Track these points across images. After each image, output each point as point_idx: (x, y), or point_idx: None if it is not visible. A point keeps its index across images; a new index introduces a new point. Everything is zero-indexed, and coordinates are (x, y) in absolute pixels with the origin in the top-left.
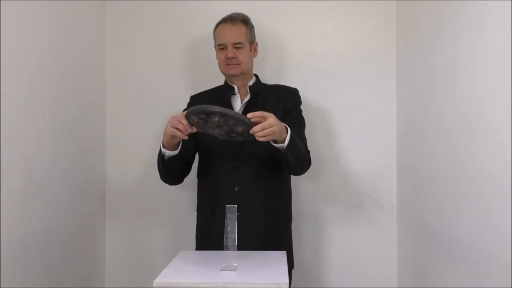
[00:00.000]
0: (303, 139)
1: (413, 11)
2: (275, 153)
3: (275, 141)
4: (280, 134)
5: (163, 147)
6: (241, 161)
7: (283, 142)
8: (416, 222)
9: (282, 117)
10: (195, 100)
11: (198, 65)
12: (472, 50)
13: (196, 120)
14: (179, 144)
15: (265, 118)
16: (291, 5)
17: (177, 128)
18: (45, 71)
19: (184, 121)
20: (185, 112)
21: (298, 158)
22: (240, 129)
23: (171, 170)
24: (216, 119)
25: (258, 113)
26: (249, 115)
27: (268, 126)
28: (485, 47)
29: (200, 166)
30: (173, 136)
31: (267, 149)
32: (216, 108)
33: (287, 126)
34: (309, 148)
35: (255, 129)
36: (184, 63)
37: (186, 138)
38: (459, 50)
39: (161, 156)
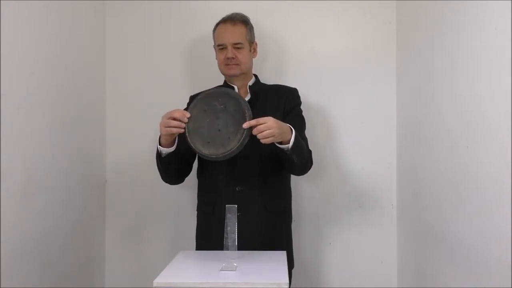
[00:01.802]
0: (304, 139)
1: (413, 11)
2: (279, 153)
3: (280, 143)
4: (284, 135)
5: (160, 145)
6: (242, 161)
7: (288, 143)
8: (416, 222)
9: (282, 117)
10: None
11: (198, 65)
12: (472, 50)
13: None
14: (175, 141)
15: (262, 122)
16: (291, 5)
17: (172, 126)
18: (45, 71)
19: (178, 113)
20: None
21: (302, 159)
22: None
23: (169, 168)
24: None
25: (253, 121)
26: (244, 125)
27: (265, 128)
28: (485, 47)
29: (200, 166)
30: (171, 134)
31: (268, 149)
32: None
33: (291, 127)
34: (309, 148)
35: (253, 132)
36: (184, 63)
37: (183, 130)
38: (459, 50)
39: (158, 154)
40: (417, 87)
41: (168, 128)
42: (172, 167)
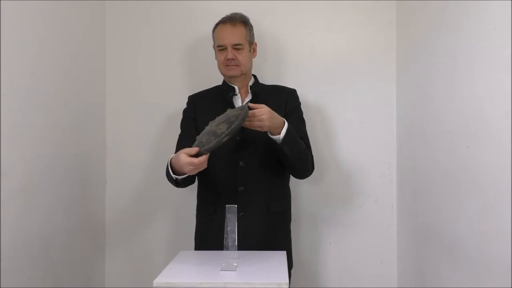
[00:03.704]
0: (304, 138)
1: (413, 11)
2: (276, 150)
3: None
4: (276, 129)
5: (174, 173)
6: (244, 162)
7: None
8: (416, 222)
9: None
10: (194, 100)
11: (199, 65)
12: (472, 50)
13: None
14: None
15: (258, 115)
16: (291, 5)
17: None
18: (45, 71)
19: (198, 160)
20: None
21: (297, 154)
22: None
23: (186, 184)
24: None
25: (250, 112)
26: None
27: (259, 114)
28: (485, 47)
29: None
30: None
31: (269, 149)
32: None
33: (285, 120)
34: (312, 153)
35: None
36: (185, 63)
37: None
38: (459, 50)
39: (173, 179)
40: (417, 87)
41: (198, 168)
42: (189, 181)
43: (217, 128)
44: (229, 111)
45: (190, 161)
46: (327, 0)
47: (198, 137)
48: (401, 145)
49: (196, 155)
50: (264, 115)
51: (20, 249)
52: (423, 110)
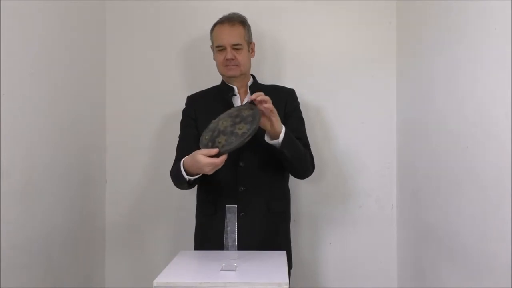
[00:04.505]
0: (302, 138)
1: (413, 11)
2: (276, 152)
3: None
4: (275, 128)
5: (187, 174)
6: (244, 162)
7: (278, 137)
8: (416, 222)
9: (283, 119)
10: (193, 100)
11: (199, 65)
12: (472, 50)
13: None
14: None
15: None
16: (291, 5)
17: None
18: (45, 71)
19: (220, 160)
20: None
21: (297, 155)
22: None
23: (195, 184)
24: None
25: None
26: (252, 97)
27: (262, 96)
28: (485, 47)
29: None
30: None
31: (269, 150)
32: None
33: (283, 125)
34: (311, 153)
35: (255, 96)
36: (184, 63)
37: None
38: (459, 50)
39: (186, 180)
40: (417, 87)
41: (217, 168)
42: (196, 183)
43: (235, 128)
44: (232, 110)
45: (212, 161)
46: (327, 0)
47: (208, 138)
48: (401, 145)
49: (216, 155)
50: (263, 93)
51: (20, 249)
52: (423, 110)
